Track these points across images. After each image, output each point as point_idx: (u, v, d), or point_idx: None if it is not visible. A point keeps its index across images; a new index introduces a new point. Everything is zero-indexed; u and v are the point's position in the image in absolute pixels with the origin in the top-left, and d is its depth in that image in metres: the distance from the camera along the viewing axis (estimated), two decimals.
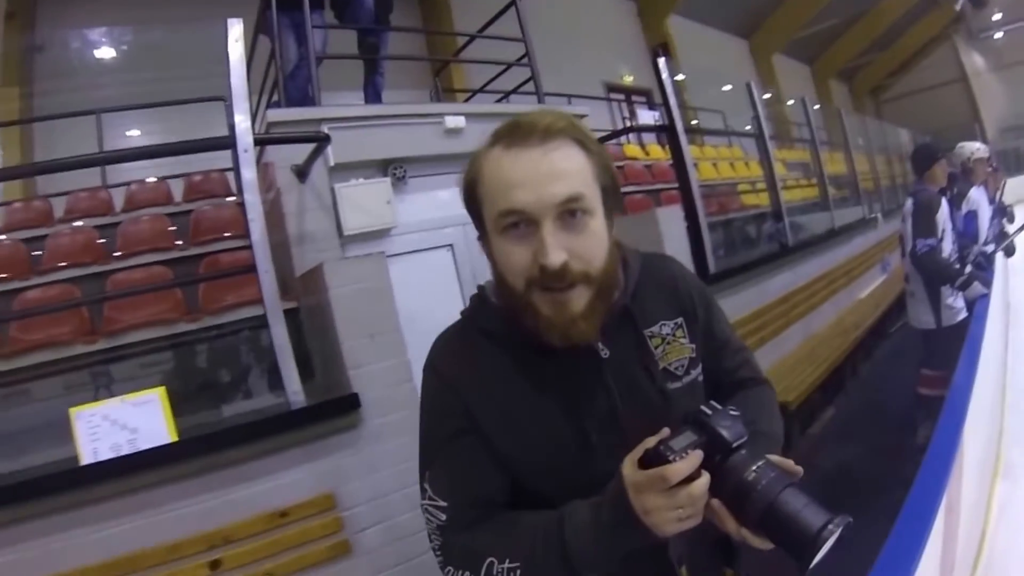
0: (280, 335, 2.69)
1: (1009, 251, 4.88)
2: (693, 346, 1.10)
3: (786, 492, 0.82)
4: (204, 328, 3.33)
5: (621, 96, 12.74)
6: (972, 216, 4.46)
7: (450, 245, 3.99)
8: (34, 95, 6.79)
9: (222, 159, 4.98)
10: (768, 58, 17.84)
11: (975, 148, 4.67)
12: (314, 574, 2.61)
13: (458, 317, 1.13)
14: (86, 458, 2.30)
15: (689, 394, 1.06)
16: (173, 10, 7.35)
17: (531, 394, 1.01)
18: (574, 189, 0.92)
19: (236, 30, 2.91)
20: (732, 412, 0.89)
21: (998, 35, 23.42)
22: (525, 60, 4.76)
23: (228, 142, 2.92)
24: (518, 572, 0.93)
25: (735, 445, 0.86)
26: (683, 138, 4.79)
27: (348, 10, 4.41)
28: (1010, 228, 5.22)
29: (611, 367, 1.02)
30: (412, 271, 3.55)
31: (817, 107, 9.73)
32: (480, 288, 1.11)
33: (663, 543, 0.93)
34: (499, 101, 5.26)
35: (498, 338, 1.04)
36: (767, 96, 10.89)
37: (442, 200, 3.99)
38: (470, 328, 1.08)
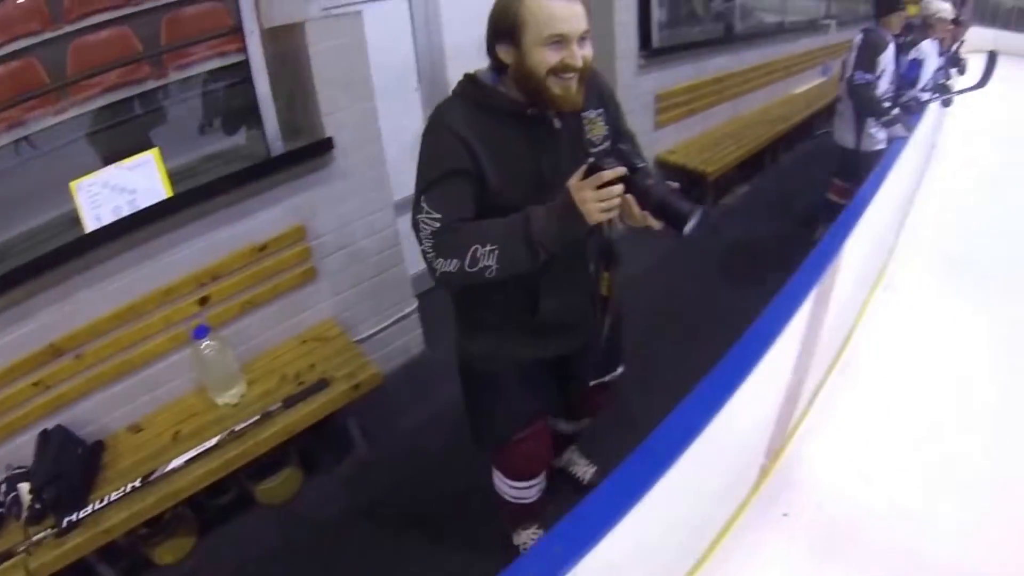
0: (263, 87, 3.09)
1: (947, 102, 5.40)
2: (607, 127, 1.81)
3: (670, 192, 1.49)
4: (177, 82, 3.64)
5: None
6: (917, 64, 4.91)
7: None
8: None
9: None
10: None
11: (941, 7, 5.07)
12: (285, 299, 3.27)
13: (457, 85, 1.74)
14: (90, 225, 2.66)
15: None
16: None
17: (512, 147, 1.64)
18: (586, 26, 1.57)
19: None
20: (636, 153, 1.70)
21: None
22: None
23: None
24: (496, 253, 1.53)
25: (640, 165, 1.52)
26: None
27: None
28: (955, 82, 5.67)
29: (561, 134, 1.70)
30: (369, 21, 3.82)
31: None
32: (471, 75, 1.72)
33: (584, 243, 1.76)
34: None
35: (491, 109, 1.64)
36: None
37: None
38: (467, 101, 1.67)
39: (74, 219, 2.71)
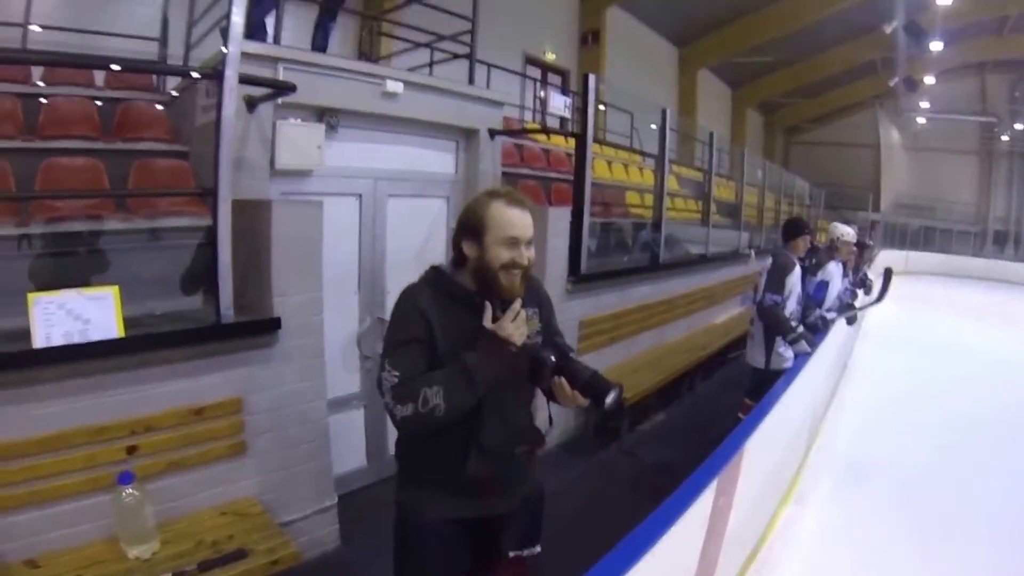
0: (225, 256, 3.38)
1: (851, 320, 6.05)
2: (539, 324, 2.32)
3: (594, 374, 2.06)
4: (136, 230, 3.93)
5: (537, 72, 13.78)
6: (823, 285, 5.58)
7: (359, 195, 4.71)
8: None
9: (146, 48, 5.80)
10: (694, 71, 19.91)
11: (845, 231, 5.84)
12: (212, 467, 3.39)
13: (425, 272, 2.27)
14: (39, 342, 2.83)
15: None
16: None
17: (460, 324, 2.11)
18: (532, 233, 2.14)
19: None
20: (566, 345, 2.34)
21: (920, 120, 26.36)
22: (466, 37, 5.68)
23: (209, 72, 3.61)
24: (441, 391, 1.97)
25: (571, 353, 2.14)
26: (590, 151, 5.80)
27: None
28: (859, 301, 6.36)
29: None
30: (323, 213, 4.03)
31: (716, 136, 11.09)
32: (435, 266, 2.26)
33: (512, 410, 2.22)
34: (417, 70, 6.11)
35: (448, 293, 2.16)
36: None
37: (363, 153, 4.75)
38: (430, 285, 2.19)
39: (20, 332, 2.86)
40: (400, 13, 7.72)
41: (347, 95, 4.53)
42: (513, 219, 2.10)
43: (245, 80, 3.65)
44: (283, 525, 3.52)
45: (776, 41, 18.90)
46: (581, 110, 6.02)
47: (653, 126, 8.30)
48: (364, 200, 4.76)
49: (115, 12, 6.72)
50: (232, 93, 3.45)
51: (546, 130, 7.82)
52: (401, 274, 4.24)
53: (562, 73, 15.16)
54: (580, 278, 5.83)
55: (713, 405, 7.02)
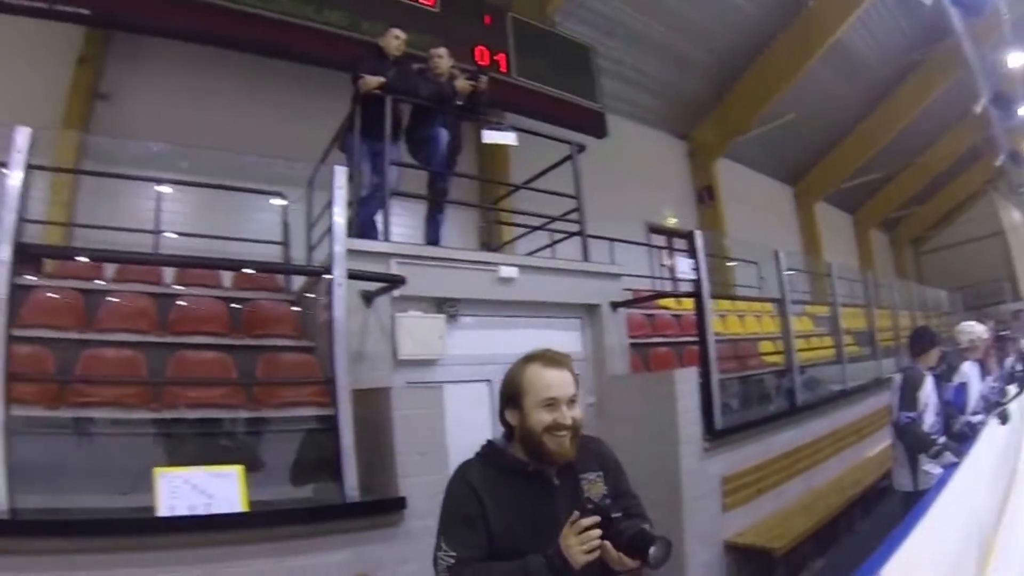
0: (347, 440, 3.55)
1: (1002, 418, 5.67)
2: (607, 487, 2.17)
3: (639, 530, 1.86)
4: (262, 419, 4.21)
5: (662, 239, 13.94)
6: (962, 388, 5.29)
7: (488, 380, 4.77)
8: (90, 141, 7.80)
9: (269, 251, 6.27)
10: (811, 205, 19.53)
11: (975, 331, 5.57)
12: None
13: (479, 448, 2.22)
14: (162, 511, 3.04)
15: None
16: (237, 85, 8.71)
17: (515, 500, 2.04)
18: (574, 391, 2.07)
19: (340, 177, 3.92)
20: (636, 510, 2.18)
21: None
22: (575, 215, 5.83)
23: (320, 270, 3.94)
24: None
25: (613, 516, 1.89)
26: (707, 307, 5.73)
27: (425, 148, 5.46)
28: (1010, 395, 5.77)
29: (559, 491, 2.08)
30: (451, 399, 4.13)
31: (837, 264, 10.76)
32: (490, 440, 2.21)
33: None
34: (538, 253, 6.33)
35: (500, 467, 2.10)
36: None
37: (487, 340, 4.90)
38: (484, 461, 2.15)
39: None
40: (513, 200, 7.96)
41: (462, 284, 4.78)
42: (550, 380, 2.06)
43: (355, 276, 3.94)
44: None
45: (879, 155, 18.47)
46: (695, 273, 5.99)
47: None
48: (494, 385, 4.78)
49: (239, 219, 7.28)
50: (340, 289, 3.72)
51: (661, 294, 7.97)
52: None
53: (687, 236, 15.00)
54: (716, 435, 5.61)
55: (874, 543, 6.46)
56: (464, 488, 2.07)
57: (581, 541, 1.85)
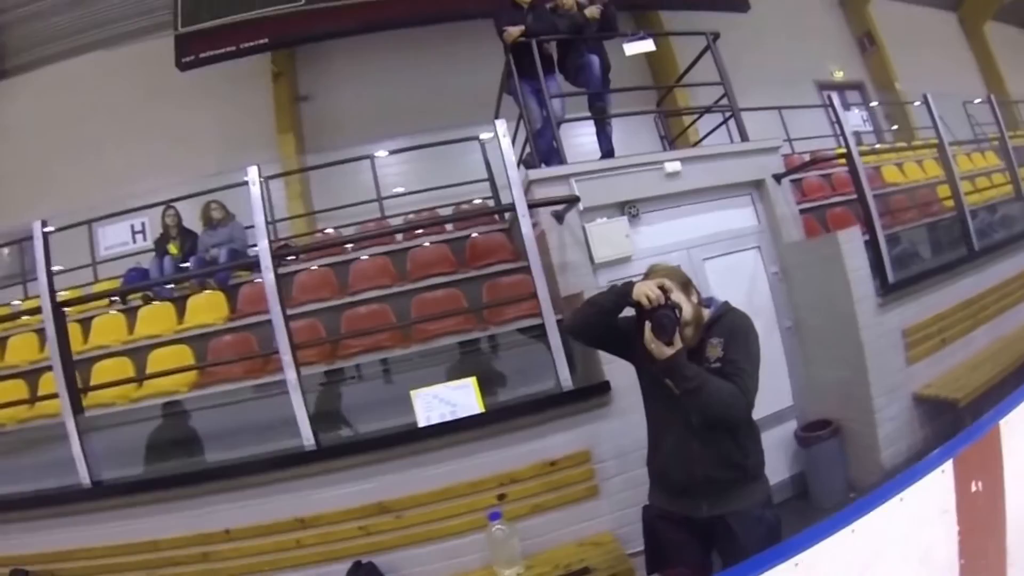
0: (556, 342, 4.32)
1: None
2: (721, 351, 2.80)
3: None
4: (489, 335, 5.23)
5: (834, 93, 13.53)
6: None
7: (677, 266, 5.31)
8: (305, 138, 9.58)
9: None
10: (979, 28, 17.41)
11: None
12: (569, 509, 4.14)
13: None
14: (421, 422, 4.00)
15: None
16: (423, 56, 10.01)
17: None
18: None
19: (502, 127, 4.74)
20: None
21: None
22: (725, 101, 6.20)
23: (507, 207, 4.85)
24: None
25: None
26: (859, 163, 5.89)
27: (580, 75, 6.07)
28: None
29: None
30: None
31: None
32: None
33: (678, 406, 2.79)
34: (705, 140, 6.96)
35: None
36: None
37: (669, 230, 5.44)
38: None
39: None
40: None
41: (636, 186, 5.37)
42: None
43: (534, 205, 4.81)
44: (634, 555, 3.84)
45: None
46: (843, 137, 6.22)
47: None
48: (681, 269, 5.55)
49: (449, 165, 8.43)
50: (525, 220, 4.53)
51: (817, 160, 7.93)
52: None
53: (857, 87, 14.75)
54: (890, 289, 5.75)
55: None
56: None
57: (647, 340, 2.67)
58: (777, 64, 12.04)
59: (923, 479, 2.46)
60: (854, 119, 8.10)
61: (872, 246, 5.81)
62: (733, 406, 2.70)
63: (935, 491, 2.49)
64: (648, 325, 2.67)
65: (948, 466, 2.52)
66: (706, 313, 2.93)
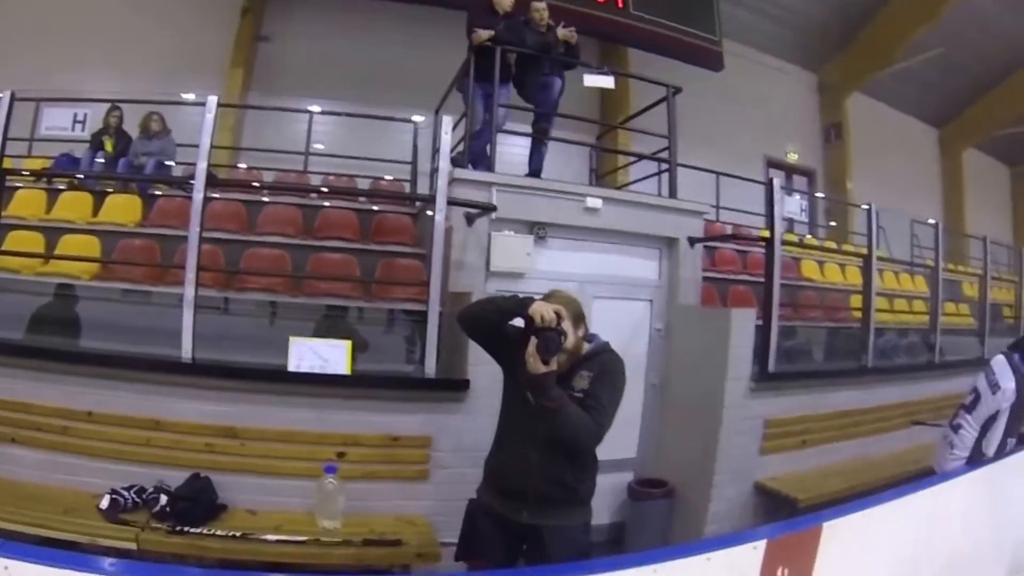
0: (432, 331, 4.80)
1: None
2: (588, 385, 3.08)
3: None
4: (375, 309, 5.67)
5: (781, 175, 13.53)
6: None
7: (576, 298, 5.72)
8: (254, 76, 9.68)
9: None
10: (958, 152, 17.60)
11: None
12: (398, 484, 4.64)
13: None
14: (291, 367, 4.46)
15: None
16: (390, 31, 10.20)
17: None
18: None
19: (447, 125, 5.23)
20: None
21: None
22: (666, 154, 6.64)
23: (427, 197, 5.27)
24: None
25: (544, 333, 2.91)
26: (778, 252, 6.24)
27: (538, 94, 6.51)
28: None
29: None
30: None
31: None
32: None
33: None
34: (632, 185, 7.44)
35: None
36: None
37: (571, 260, 5.84)
38: None
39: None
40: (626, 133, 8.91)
41: (552, 211, 5.77)
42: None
43: (453, 203, 5.17)
44: (443, 545, 4.22)
45: None
46: (769, 218, 6.60)
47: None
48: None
49: (380, 139, 8.67)
50: (441, 215, 4.95)
51: (737, 236, 8.44)
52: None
53: (807, 173, 15.36)
54: (767, 377, 6.07)
55: None
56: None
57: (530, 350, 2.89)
58: (733, 128, 12.50)
59: (734, 547, 2.68)
60: (791, 204, 8.36)
61: (763, 333, 6.17)
62: (584, 434, 3.01)
63: (742, 562, 2.67)
64: (534, 341, 2.91)
65: (762, 545, 2.71)
66: (586, 347, 3.28)
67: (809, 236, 11.60)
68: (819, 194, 13.90)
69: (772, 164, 14.03)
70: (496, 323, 3.20)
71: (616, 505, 6.11)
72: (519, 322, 3.12)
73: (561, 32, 6.54)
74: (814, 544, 2.94)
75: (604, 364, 3.21)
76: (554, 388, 2.94)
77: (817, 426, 6.75)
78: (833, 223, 13.85)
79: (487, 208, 5.29)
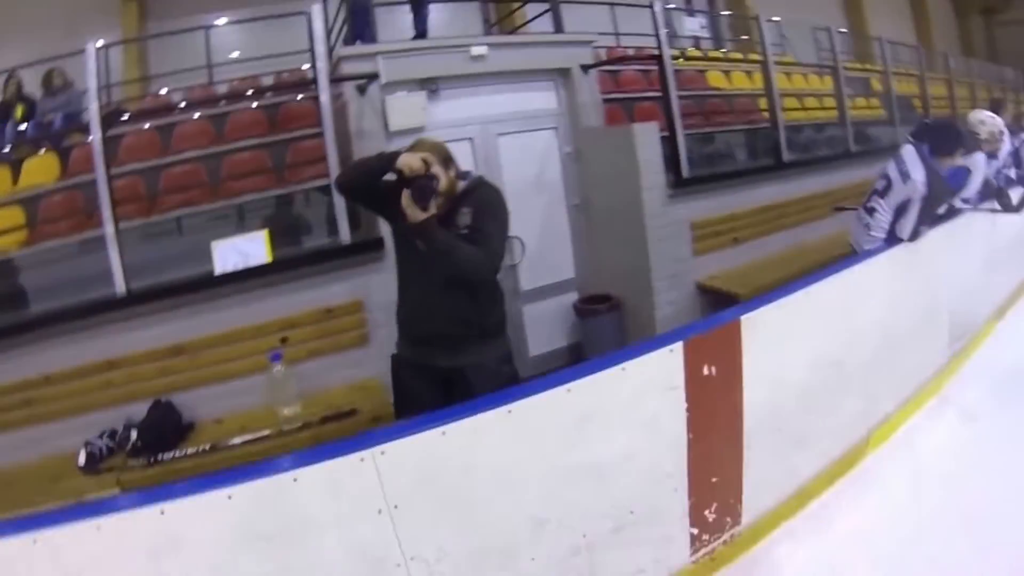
0: (340, 203, 5.04)
1: (1006, 206, 5.56)
2: (470, 220, 3.16)
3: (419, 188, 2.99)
4: (288, 192, 5.88)
5: None
6: (962, 173, 5.05)
7: (470, 139, 5.99)
8: (147, 3, 9.61)
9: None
10: None
11: (980, 120, 5.50)
12: (342, 355, 4.96)
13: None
14: (218, 270, 4.71)
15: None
16: None
17: None
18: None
19: (318, 17, 5.43)
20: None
21: None
22: None
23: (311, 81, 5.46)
24: None
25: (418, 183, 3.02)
26: (668, 66, 6.64)
27: None
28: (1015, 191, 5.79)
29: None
30: None
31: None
32: None
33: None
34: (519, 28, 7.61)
35: None
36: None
37: (468, 107, 6.03)
38: None
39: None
40: None
41: (439, 65, 5.89)
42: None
43: (336, 79, 5.50)
44: None
45: None
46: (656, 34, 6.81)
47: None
48: (475, 142, 6.11)
49: (283, 34, 8.46)
50: (325, 95, 5.28)
51: (625, 58, 8.51)
52: (523, 199, 5.85)
53: None
54: (682, 183, 6.54)
55: None
56: None
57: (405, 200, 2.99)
58: None
59: (648, 355, 2.82)
60: (691, 24, 8.47)
61: (670, 142, 6.54)
62: (478, 266, 3.13)
63: (662, 368, 2.85)
64: (407, 192, 3.00)
65: (678, 347, 2.87)
66: (461, 185, 3.30)
67: (716, 51, 11.48)
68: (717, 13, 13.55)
69: None
70: (369, 183, 3.25)
71: (568, 327, 6.48)
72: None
73: None
74: (736, 339, 3.10)
75: (482, 197, 3.28)
76: (438, 230, 3.04)
77: (744, 223, 7.16)
78: (745, 37, 13.50)
79: (369, 76, 5.43)
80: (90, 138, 5.01)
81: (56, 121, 7.20)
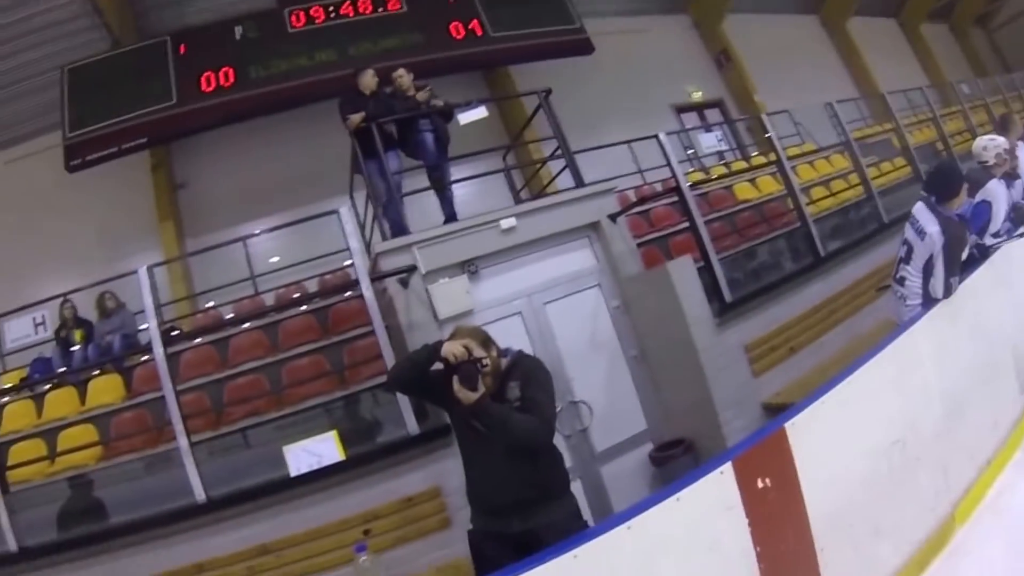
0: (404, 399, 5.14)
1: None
2: (519, 391, 3.40)
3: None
4: (351, 393, 5.98)
5: (693, 116, 14.24)
6: (983, 207, 5.01)
7: (519, 313, 6.00)
8: (183, 223, 10.29)
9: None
10: (842, 26, 17.82)
11: (1001, 144, 5.34)
12: (427, 539, 4.99)
13: None
14: (293, 472, 4.79)
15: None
16: (286, 139, 10.83)
17: None
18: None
19: (347, 216, 5.73)
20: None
21: None
22: (559, 153, 6.94)
23: (352, 283, 5.72)
24: None
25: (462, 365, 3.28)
26: (688, 196, 6.72)
27: (417, 151, 6.83)
28: None
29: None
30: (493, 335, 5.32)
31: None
32: None
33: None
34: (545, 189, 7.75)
35: None
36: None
37: (508, 281, 6.08)
38: None
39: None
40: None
41: (474, 245, 6.02)
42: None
43: (377, 278, 5.70)
44: None
45: None
46: (668, 165, 6.95)
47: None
48: (525, 315, 6.09)
49: (317, 237, 8.79)
50: (369, 292, 5.48)
51: (646, 198, 8.49)
52: (582, 362, 6.05)
53: (716, 104, 15.50)
54: (727, 308, 6.49)
55: None
56: None
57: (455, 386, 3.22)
58: (636, 94, 12.92)
59: (699, 481, 2.84)
60: (708, 140, 8.49)
61: (707, 271, 6.53)
62: (534, 434, 3.32)
63: (715, 490, 2.86)
64: (455, 377, 3.23)
65: (727, 468, 2.88)
66: (504, 362, 3.52)
67: (740, 160, 11.77)
68: (731, 120, 14.10)
69: (681, 109, 14.32)
70: (418, 377, 3.51)
71: (648, 478, 6.25)
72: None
73: (420, 95, 6.89)
74: (784, 446, 3.10)
75: (525, 369, 3.50)
76: (491, 406, 3.29)
77: (797, 329, 7.00)
78: (768, 135, 13.94)
79: (407, 270, 5.59)
80: (148, 357, 5.43)
81: (115, 342, 7.55)
